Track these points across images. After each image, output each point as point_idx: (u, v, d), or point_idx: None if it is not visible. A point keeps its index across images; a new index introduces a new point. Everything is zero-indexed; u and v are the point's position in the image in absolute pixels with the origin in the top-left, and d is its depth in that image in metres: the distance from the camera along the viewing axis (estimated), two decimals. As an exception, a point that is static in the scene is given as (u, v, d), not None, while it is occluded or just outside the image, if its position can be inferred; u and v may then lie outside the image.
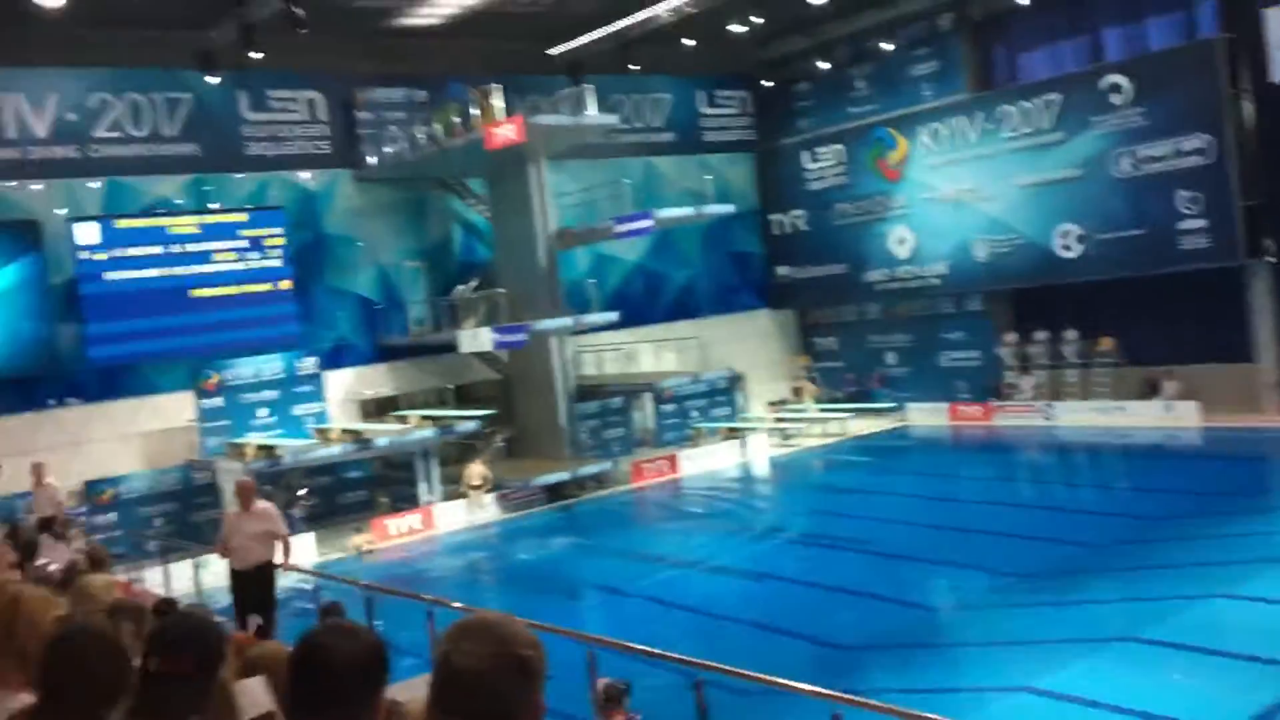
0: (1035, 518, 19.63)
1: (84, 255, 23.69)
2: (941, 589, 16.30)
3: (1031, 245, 28.34)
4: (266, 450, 22.66)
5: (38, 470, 17.52)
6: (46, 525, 14.36)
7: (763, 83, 34.23)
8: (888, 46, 31.17)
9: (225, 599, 12.71)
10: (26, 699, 3.07)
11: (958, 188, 29.83)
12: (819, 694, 6.96)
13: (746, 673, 7.66)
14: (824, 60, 32.55)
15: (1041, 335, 29.34)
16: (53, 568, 8.77)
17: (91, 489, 22.79)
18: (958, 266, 30.16)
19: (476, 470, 24.75)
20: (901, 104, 31.35)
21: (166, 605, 6.98)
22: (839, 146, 32.78)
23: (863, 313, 33.54)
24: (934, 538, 18.58)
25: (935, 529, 19.22)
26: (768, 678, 7.64)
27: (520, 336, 24.76)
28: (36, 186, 23.74)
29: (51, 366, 23.37)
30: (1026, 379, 29.45)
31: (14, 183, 23.52)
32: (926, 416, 30.69)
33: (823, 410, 31.51)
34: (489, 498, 24.72)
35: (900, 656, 13.25)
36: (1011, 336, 30.12)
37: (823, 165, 33.27)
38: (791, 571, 17.84)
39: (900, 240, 31.44)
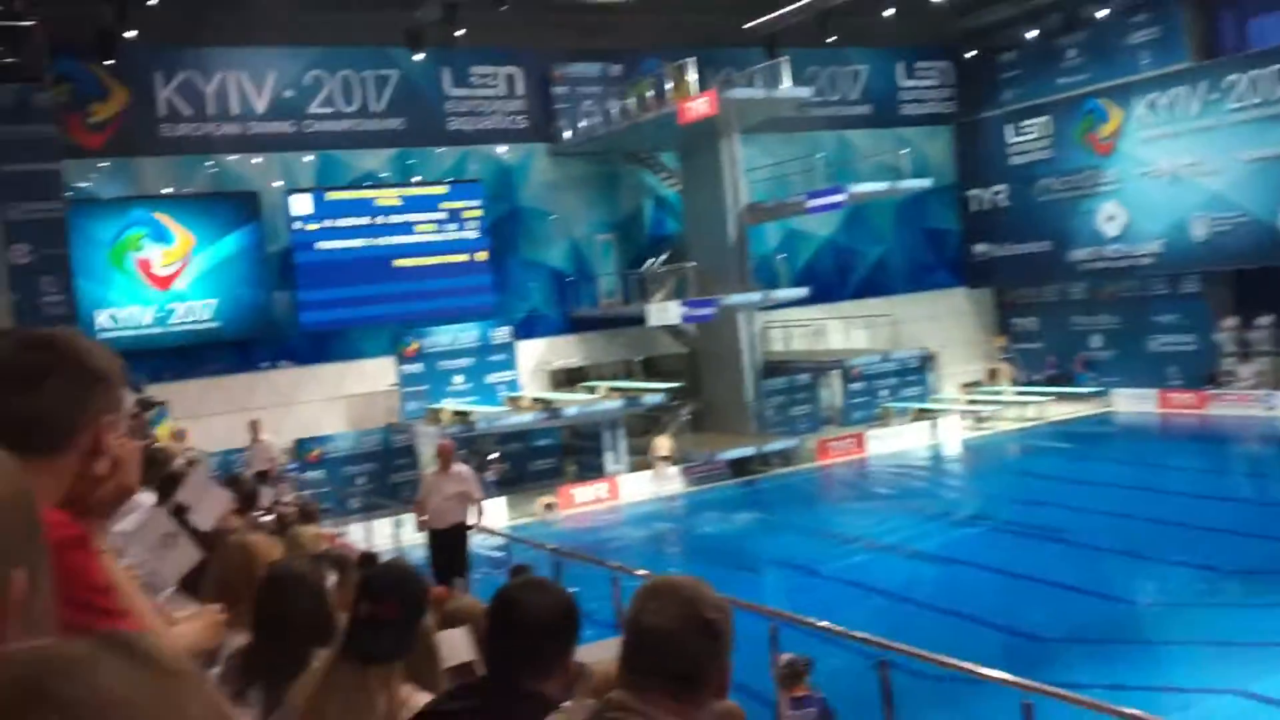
0: (1250, 513, 18.39)
1: (297, 225, 24.97)
2: (1145, 583, 15.46)
3: (1256, 224, 26.46)
4: (461, 415, 23.43)
5: (254, 427, 18.64)
6: (261, 479, 15.27)
7: (965, 53, 33.03)
8: (1102, 13, 29.53)
9: (422, 555, 13.22)
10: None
11: (1176, 162, 28.10)
12: (1010, 682, 6.70)
13: (933, 656, 7.43)
14: (1032, 28, 31.12)
15: (1265, 320, 27.38)
16: (266, 519, 9.27)
17: (301, 447, 24.08)
18: (1173, 245, 28.45)
19: (663, 442, 24.96)
20: (1116, 73, 29.69)
21: (369, 558, 7.31)
22: (1045, 118, 31.36)
23: (1066, 293, 32.05)
24: (1138, 529, 17.62)
25: (1139, 520, 18.22)
26: (956, 662, 7.39)
27: (708, 311, 24.75)
28: (256, 160, 25.15)
29: (267, 330, 24.79)
30: (1246, 366, 27.56)
31: (236, 156, 24.97)
32: (1133, 403, 29.14)
33: (1020, 393, 30.35)
34: (674, 470, 24.89)
35: (1098, 651, 12.64)
36: (1231, 321, 28.21)
37: (1027, 138, 31.91)
38: (983, 558, 17.25)
39: (1110, 217, 29.87)
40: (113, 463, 1.77)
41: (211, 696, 0.80)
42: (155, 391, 19.82)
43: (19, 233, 16.45)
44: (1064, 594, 14.82)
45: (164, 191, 24.37)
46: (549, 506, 23.16)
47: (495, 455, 24.21)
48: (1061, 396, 30.12)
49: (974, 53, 32.90)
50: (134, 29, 21.72)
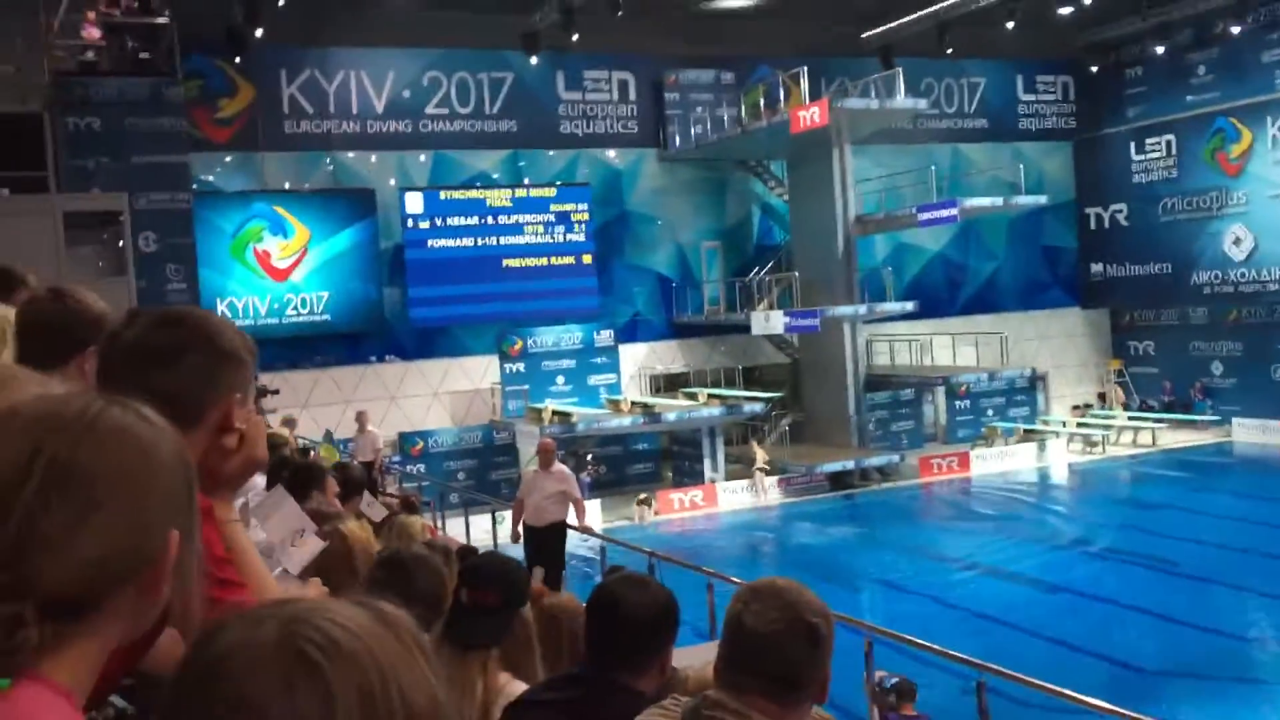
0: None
1: (410, 223, 25.47)
2: (1258, 621, 14.86)
3: (1395, 251, 25.25)
4: (562, 416, 23.62)
5: (361, 418, 19.02)
6: (367, 469, 15.59)
7: (1088, 67, 32.19)
8: (1236, 29, 28.52)
9: (518, 552, 13.34)
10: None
11: (1308, 185, 26.99)
12: (1113, 712, 6.47)
13: (1033, 680, 7.21)
14: (1160, 43, 30.19)
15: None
16: (370, 508, 9.45)
17: (404, 440, 24.53)
18: (1302, 271, 27.32)
19: (761, 452, 24.82)
20: (1248, 92, 28.62)
21: (467, 551, 7.41)
22: (1170, 137, 30.39)
23: (1186, 317, 30.97)
24: (1253, 564, 16.93)
25: (1255, 555, 17.49)
26: (1056, 688, 7.17)
27: (812, 321, 24.54)
28: (372, 158, 25.73)
29: (376, 325, 25.34)
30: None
31: (353, 154, 25.59)
32: (1255, 434, 28.01)
33: (1133, 418, 29.42)
34: (770, 480, 24.72)
35: (1208, 688, 12.19)
36: (1362, 352, 26.99)
37: (1150, 157, 30.97)
38: (1088, 586, 16.76)
39: (1236, 240, 28.82)
40: (240, 437, 1.81)
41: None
42: (268, 380, 20.39)
43: (147, 222, 17.07)
44: (1172, 627, 14.33)
45: (284, 186, 25.10)
46: (644, 502, 23.26)
47: (591, 456, 24.35)
48: (1177, 424, 29.13)
49: (1097, 67, 32.05)
50: (262, 28, 22.43)
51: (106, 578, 1.05)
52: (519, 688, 2.86)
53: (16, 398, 1.30)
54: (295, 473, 5.36)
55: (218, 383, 1.79)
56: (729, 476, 24.97)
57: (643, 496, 23.67)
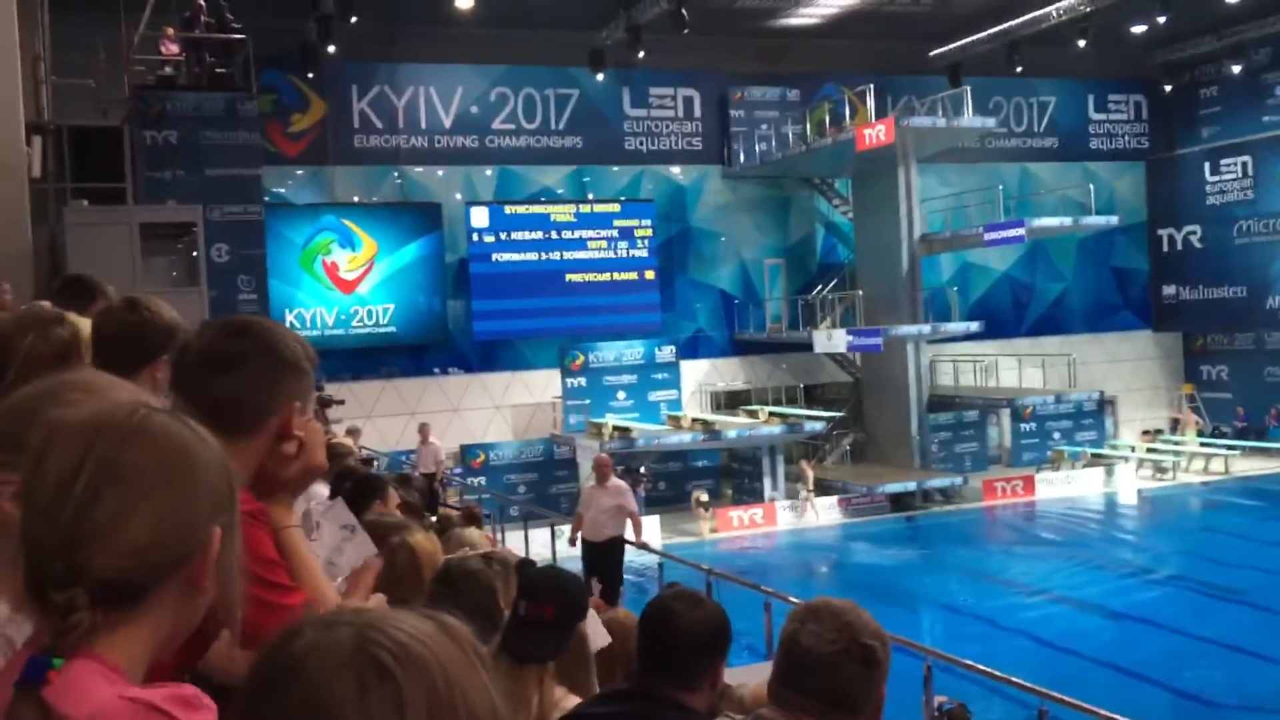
0: None
1: (475, 237, 25.73)
2: (1336, 656, 14.41)
3: None
4: (622, 431, 23.65)
5: (424, 430, 19.24)
6: (428, 481, 15.75)
7: (1161, 87, 31.65)
8: (1315, 47, 27.91)
9: (576, 567, 13.37)
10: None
11: (1391, 207, 26.26)
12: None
13: (1098, 710, 7.06)
14: (1236, 63, 29.59)
15: None
16: (432, 519, 9.54)
17: (466, 453, 24.72)
18: (1384, 296, 26.57)
19: (809, 473, 24.55)
20: (1327, 112, 27.99)
21: (526, 564, 7.45)
22: (1246, 158, 29.76)
23: (1261, 341, 30.25)
24: (1330, 598, 16.45)
25: (1332, 589, 17.01)
26: (1122, 719, 7.02)
27: (875, 340, 24.34)
28: (439, 172, 26.05)
29: (440, 337, 25.60)
30: None
31: (421, 168, 25.93)
32: (1330, 462, 27.26)
33: (1205, 444, 28.76)
34: (822, 502, 24.49)
35: (1279, 723, 11.85)
36: None
37: (1225, 178, 30.33)
38: (1155, 615, 16.39)
39: (1313, 263, 28.12)
40: (300, 444, 1.86)
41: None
42: (333, 390, 20.67)
43: (219, 233, 17.42)
44: (1242, 658, 13.95)
45: (353, 199, 25.49)
46: (703, 505, 23.16)
47: (643, 469, 24.30)
48: (1251, 451, 28.42)
49: (1170, 87, 31.50)
50: (334, 45, 22.84)
51: (152, 567, 1.13)
52: (574, 702, 2.87)
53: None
54: (356, 484, 5.44)
55: (278, 391, 1.83)
56: (789, 495, 24.81)
57: (704, 499, 23.67)
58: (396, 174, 25.87)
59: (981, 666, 8.03)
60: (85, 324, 2.55)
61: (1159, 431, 30.33)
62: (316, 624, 0.90)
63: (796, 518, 24.10)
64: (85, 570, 1.10)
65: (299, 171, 25.12)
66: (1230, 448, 28.32)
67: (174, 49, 17.24)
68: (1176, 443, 29.14)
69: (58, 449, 1.15)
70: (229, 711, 0.95)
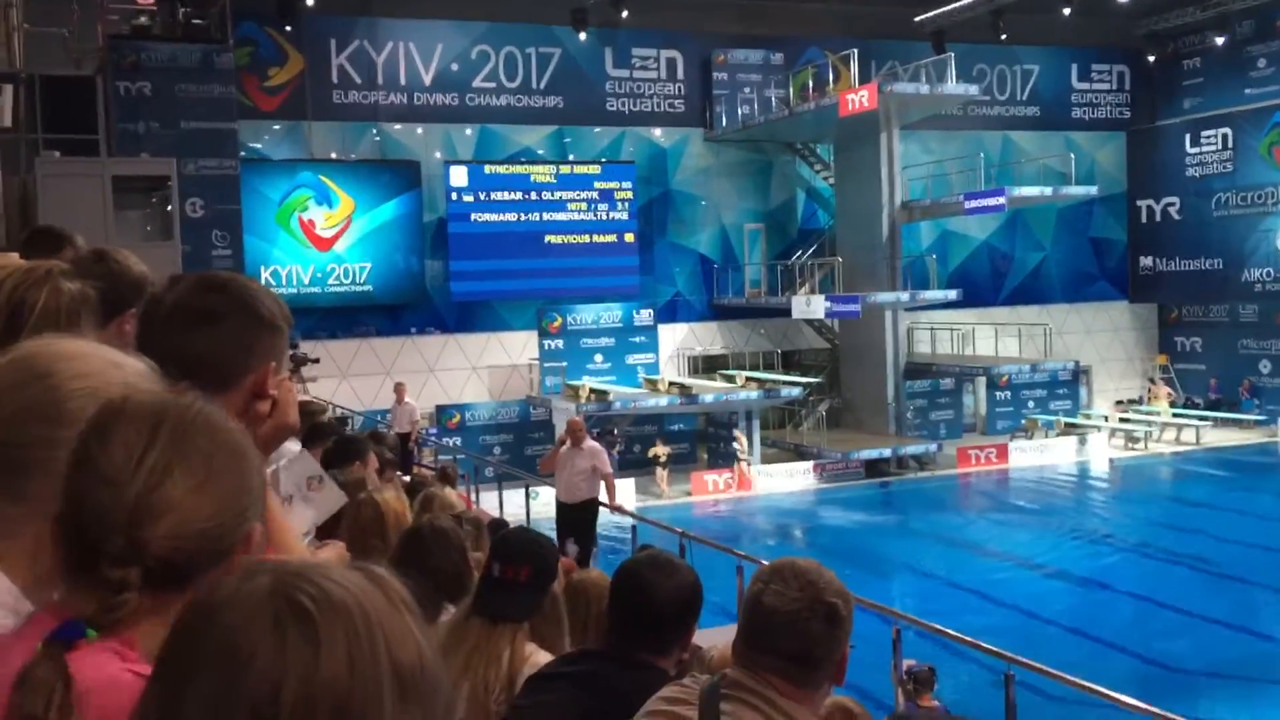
0: None
1: (454, 196, 25.55)
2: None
3: None
4: (599, 394, 23.65)
5: (399, 390, 19.14)
6: (403, 440, 15.72)
7: (1145, 57, 31.64)
8: (1298, 21, 27.94)
9: (550, 528, 13.40)
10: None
11: (1367, 182, 26.42)
12: (1144, 710, 6.41)
13: (1063, 675, 7.14)
14: (1220, 34, 29.62)
15: None
16: (405, 478, 9.53)
17: (442, 413, 24.68)
18: (1357, 271, 26.79)
19: (661, 451, 24.09)
20: (1308, 86, 28.07)
21: (498, 525, 7.46)
22: (1227, 130, 29.84)
23: (1236, 314, 30.49)
24: (1295, 568, 16.70)
25: (1298, 558, 17.26)
26: (1087, 684, 7.10)
27: (854, 307, 24.39)
28: (419, 130, 25.80)
29: (417, 297, 25.47)
30: None
31: (400, 126, 25.69)
32: (1300, 434, 27.59)
33: (1177, 415, 29.03)
34: (795, 466, 24.59)
35: (1243, 689, 12.06)
36: None
37: (1206, 150, 30.43)
38: (1123, 582, 16.61)
39: (1290, 237, 28.31)
40: (273, 403, 1.84)
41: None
42: (308, 348, 20.57)
43: (194, 187, 17.25)
44: (1208, 626, 14.16)
45: (331, 156, 25.24)
46: (660, 462, 23.29)
47: (615, 431, 24.25)
48: (1222, 422, 28.72)
49: (1154, 57, 31.51)
50: (313, -3, 22.55)
51: (207, 552, 1.15)
52: (545, 658, 2.88)
53: (86, 367, 1.35)
54: (337, 445, 5.42)
55: (254, 349, 1.81)
56: (765, 460, 24.93)
57: (661, 455, 23.55)
58: (375, 131, 25.61)
59: (950, 631, 8.10)
60: (83, 289, 2.50)
61: (1133, 402, 30.60)
62: (239, 574, 0.89)
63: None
64: (146, 547, 1.11)
65: (276, 126, 24.82)
66: (1202, 419, 28.61)
67: (149, -2, 16.98)
68: (1149, 413, 29.41)
69: (128, 422, 1.16)
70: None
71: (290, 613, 0.84)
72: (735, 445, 24.31)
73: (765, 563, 2.30)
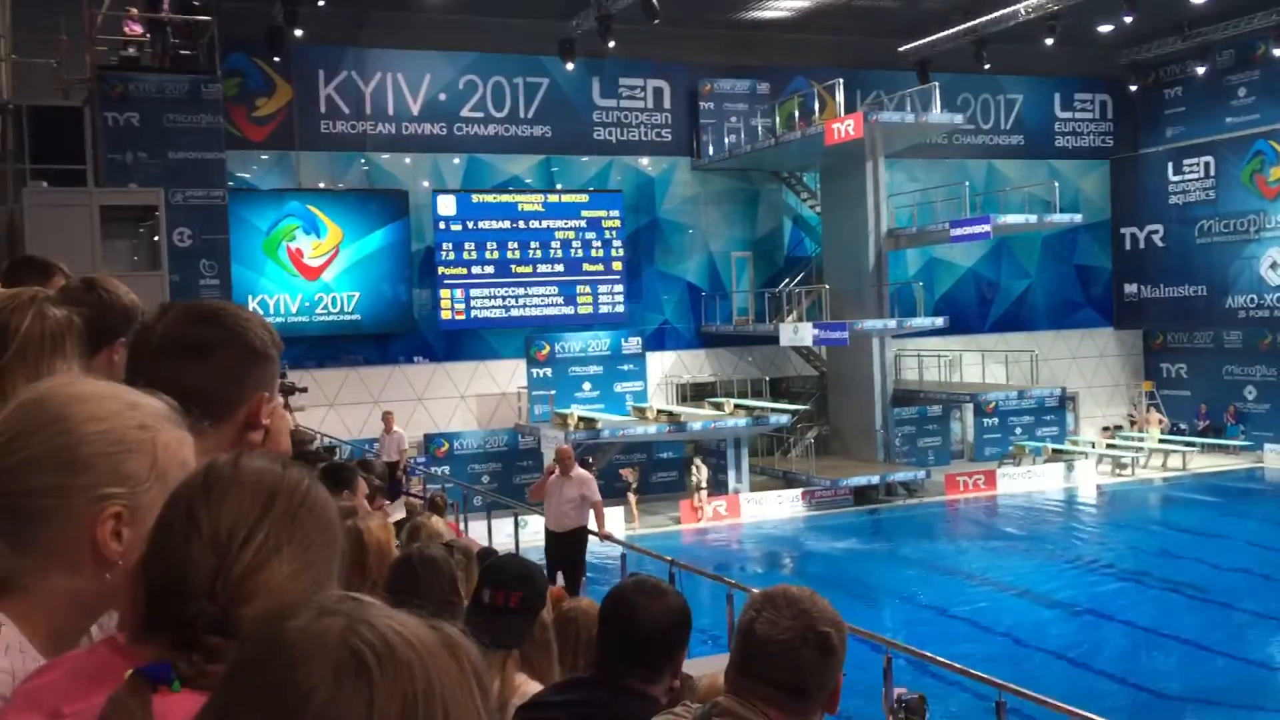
0: None
1: (442, 225, 25.59)
2: (1287, 650, 14.67)
3: None
4: (588, 422, 23.62)
5: (387, 419, 19.10)
6: (391, 469, 15.67)
7: (1127, 86, 31.96)
8: (1278, 51, 28.21)
9: (538, 556, 13.35)
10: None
11: (1348, 210, 26.65)
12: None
13: (1054, 703, 7.13)
14: (1200, 64, 29.95)
15: None
16: (390, 507, 9.49)
17: (430, 442, 24.61)
18: (1340, 297, 26.98)
19: (632, 476, 24.40)
20: (1288, 114, 28.34)
21: (487, 553, 7.43)
22: (1209, 158, 30.11)
23: (1220, 340, 30.68)
24: (1283, 593, 16.73)
25: (1286, 584, 17.30)
26: (1078, 711, 7.10)
27: (841, 335, 24.46)
28: (406, 159, 25.87)
29: (405, 326, 25.45)
30: None
31: (388, 155, 25.75)
32: (1286, 460, 27.69)
33: (1163, 441, 29.13)
34: (785, 494, 24.61)
35: (1232, 716, 12.04)
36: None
37: (1189, 178, 30.69)
38: (1112, 609, 16.61)
39: (1273, 264, 28.51)
40: (265, 431, 1.83)
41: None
42: (296, 378, 20.51)
43: (182, 217, 17.23)
44: (1196, 653, 14.16)
45: (319, 185, 25.27)
46: (630, 487, 23.50)
47: (591, 459, 24.16)
48: (1209, 448, 28.82)
49: (1136, 86, 31.82)
50: (301, 29, 22.62)
51: None
52: (535, 688, 2.87)
53: (100, 410, 1.31)
54: (326, 473, 5.37)
55: (247, 381, 1.80)
56: (754, 488, 24.90)
57: (631, 479, 23.79)
58: (363, 160, 25.67)
59: (941, 659, 8.09)
60: (67, 315, 2.49)
61: (1119, 428, 30.70)
62: (313, 607, 0.89)
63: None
64: (240, 623, 1.11)
65: (264, 156, 24.86)
66: (1189, 444, 28.71)
67: (137, 29, 17.02)
68: (1136, 439, 29.50)
69: (241, 493, 1.17)
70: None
71: (352, 665, 0.84)
72: (693, 474, 24.29)
73: (755, 590, 2.30)
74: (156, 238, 14.76)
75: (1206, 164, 30.16)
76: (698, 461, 24.68)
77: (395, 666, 0.84)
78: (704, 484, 24.21)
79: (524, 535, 17.07)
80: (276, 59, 24.10)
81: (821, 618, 2.12)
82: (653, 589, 2.76)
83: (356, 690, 0.82)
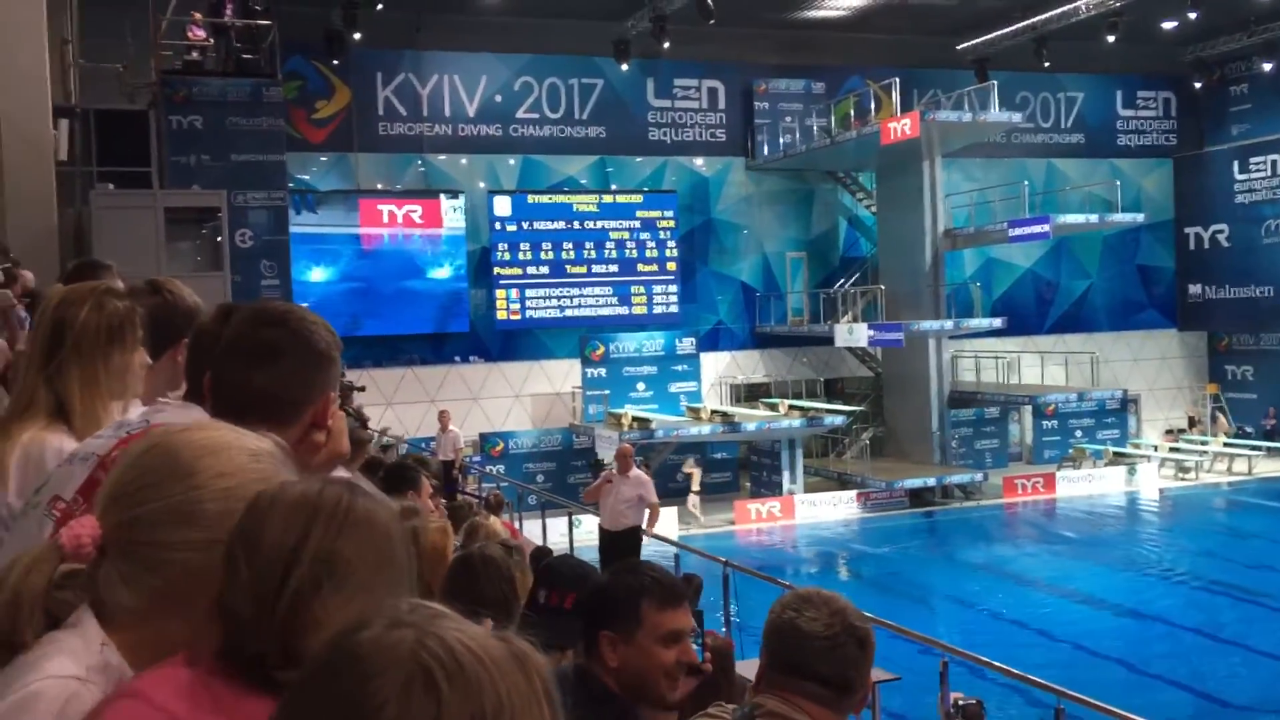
0: None
1: (498, 226, 25.75)
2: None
3: None
4: (641, 422, 23.64)
5: (443, 417, 19.29)
6: (447, 468, 15.80)
7: (1191, 84, 31.34)
8: (1348, 45, 27.56)
9: (592, 556, 13.38)
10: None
11: None
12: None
13: (1115, 710, 7.00)
14: (1267, 60, 29.27)
15: None
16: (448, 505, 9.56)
17: (485, 441, 24.78)
18: None
19: (695, 473, 24.10)
20: (1359, 110, 27.64)
21: (544, 552, 7.47)
22: (1275, 157, 29.44)
23: (1288, 342, 29.98)
24: (1353, 602, 16.30)
25: (1356, 592, 16.86)
26: (1139, 719, 6.97)
27: (897, 336, 24.25)
28: (463, 161, 26.08)
29: (462, 326, 25.63)
30: None
31: (444, 156, 25.97)
32: (1356, 465, 27.00)
33: (1228, 445, 28.53)
34: (838, 495, 24.43)
35: (1299, 727, 11.76)
36: None
37: (1255, 176, 30.03)
38: (1175, 615, 16.29)
39: (1342, 264, 27.84)
40: (327, 432, 1.85)
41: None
42: (354, 377, 20.75)
43: (243, 218, 17.51)
44: (1262, 660, 13.85)
45: (376, 186, 25.53)
46: (689, 479, 23.29)
47: (643, 460, 24.05)
48: (1275, 452, 28.19)
49: (1201, 83, 31.19)
50: (360, 32, 22.90)
51: None
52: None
53: (229, 464, 1.35)
54: (389, 473, 5.37)
55: (313, 383, 1.82)
56: (808, 489, 24.78)
57: (694, 470, 23.39)
58: (420, 161, 25.90)
59: (999, 664, 7.99)
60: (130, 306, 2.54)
61: (1182, 431, 30.12)
62: (385, 617, 0.89)
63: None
64: (299, 658, 1.11)
65: (323, 158, 25.18)
66: (1254, 449, 28.10)
67: (200, 34, 17.32)
68: (1200, 442, 28.93)
69: (274, 527, 1.19)
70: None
71: (421, 679, 0.84)
72: (683, 474, 24.08)
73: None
74: (219, 239, 15.02)
75: (1273, 162, 29.50)
76: (687, 466, 24.46)
77: (464, 682, 0.84)
78: (696, 486, 24.07)
79: (578, 534, 17.14)
80: (335, 62, 24.41)
81: (855, 615, 2.19)
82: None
83: (425, 707, 0.83)
